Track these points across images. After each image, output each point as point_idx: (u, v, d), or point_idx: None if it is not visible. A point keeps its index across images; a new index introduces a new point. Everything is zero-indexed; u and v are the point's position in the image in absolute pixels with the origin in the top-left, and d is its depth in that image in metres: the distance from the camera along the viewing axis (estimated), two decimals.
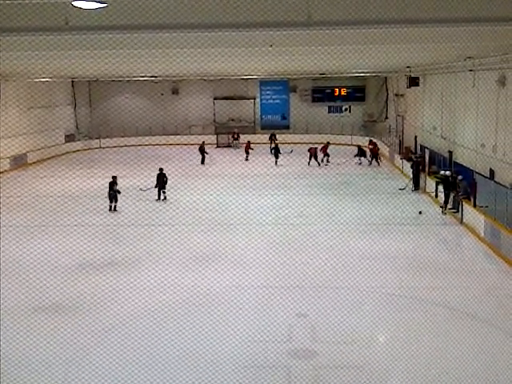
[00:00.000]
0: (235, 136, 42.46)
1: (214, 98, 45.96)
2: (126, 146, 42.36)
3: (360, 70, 33.28)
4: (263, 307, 12.73)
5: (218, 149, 41.25)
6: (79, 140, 43.35)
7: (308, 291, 13.60)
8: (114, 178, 22.12)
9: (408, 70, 29.92)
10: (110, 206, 21.92)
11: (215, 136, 43.81)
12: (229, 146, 42.30)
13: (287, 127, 45.91)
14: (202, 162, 33.49)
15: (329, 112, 45.92)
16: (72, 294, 13.61)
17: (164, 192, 23.61)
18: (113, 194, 21.86)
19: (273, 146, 35.89)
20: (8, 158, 32.96)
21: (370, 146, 34.05)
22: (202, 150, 33.93)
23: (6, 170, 32.03)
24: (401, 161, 30.58)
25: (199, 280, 14.40)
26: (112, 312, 12.57)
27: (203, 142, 35.38)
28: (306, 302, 12.93)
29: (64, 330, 11.60)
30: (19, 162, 34.09)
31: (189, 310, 12.58)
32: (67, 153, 40.35)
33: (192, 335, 11.23)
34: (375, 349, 10.96)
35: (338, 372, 9.91)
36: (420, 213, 21.01)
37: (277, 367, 10.13)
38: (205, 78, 40.95)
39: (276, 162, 32.94)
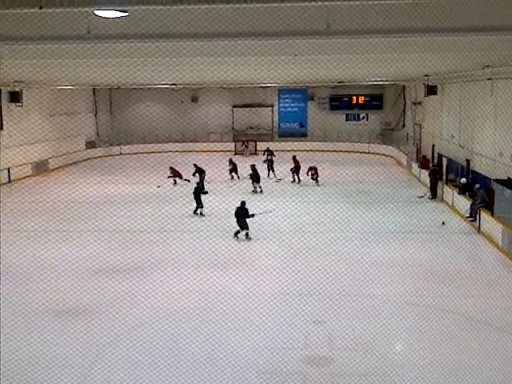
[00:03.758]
0: (245, 144, 42.66)
1: (233, 106, 46.22)
2: (146, 152, 42.67)
3: (378, 79, 33.30)
4: (280, 314, 12.79)
5: (237, 156, 41.37)
6: (100, 147, 43.77)
7: (325, 298, 13.64)
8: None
9: (426, 78, 29.89)
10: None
11: (233, 143, 43.99)
12: (241, 153, 42.47)
13: (305, 135, 46.00)
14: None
15: (346, 120, 45.96)
16: (91, 299, 13.77)
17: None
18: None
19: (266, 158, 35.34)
20: (30, 163, 33.41)
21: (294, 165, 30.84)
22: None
23: (28, 176, 32.46)
24: (418, 169, 30.52)
25: (216, 286, 14.50)
26: (130, 316, 12.71)
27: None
28: (322, 310, 12.98)
29: (83, 334, 11.74)
30: (41, 167, 34.52)
31: (206, 316, 12.67)
32: (88, 159, 40.76)
33: (209, 341, 11.32)
34: (392, 357, 10.97)
35: (355, 380, 9.94)
36: (443, 223, 20.91)
37: (293, 374, 10.18)
38: (224, 86, 41.21)
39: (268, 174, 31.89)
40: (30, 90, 33.52)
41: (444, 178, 26.23)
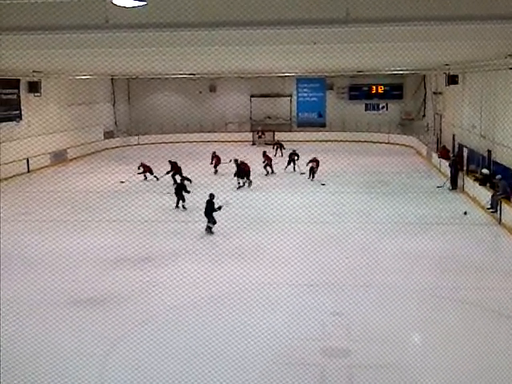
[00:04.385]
0: (260, 134, 42.50)
1: (251, 96, 46.06)
2: (163, 142, 42.73)
3: (398, 68, 32.98)
4: (298, 305, 12.74)
5: (254, 146, 41.32)
6: (118, 137, 43.91)
7: (343, 289, 13.56)
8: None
9: (447, 67, 29.54)
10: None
11: (251, 133, 43.88)
12: (253, 143, 42.30)
13: (323, 125, 45.76)
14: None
15: (366, 110, 45.60)
16: (109, 288, 13.80)
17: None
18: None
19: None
20: (49, 153, 33.61)
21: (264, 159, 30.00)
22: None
23: (46, 166, 32.66)
24: (438, 159, 30.24)
25: (234, 276, 14.46)
26: (147, 306, 12.75)
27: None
28: (340, 301, 12.91)
29: (101, 324, 11.78)
30: (59, 157, 34.72)
31: (223, 306, 12.64)
32: (106, 149, 40.92)
33: (226, 331, 11.30)
34: (410, 348, 10.90)
35: (372, 371, 9.87)
36: (465, 213, 20.70)
37: (311, 365, 10.13)
38: (242, 75, 41.08)
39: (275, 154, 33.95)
40: (48, 79, 33.67)
41: (465, 168, 25.94)
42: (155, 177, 27.42)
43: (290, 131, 45.24)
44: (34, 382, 9.56)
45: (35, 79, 31.98)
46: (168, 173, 26.31)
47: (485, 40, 14.22)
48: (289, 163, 29.84)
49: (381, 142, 42.21)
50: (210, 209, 18.50)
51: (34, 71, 29.25)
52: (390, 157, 35.64)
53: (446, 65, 28.79)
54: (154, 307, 12.67)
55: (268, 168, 29.35)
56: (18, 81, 31.82)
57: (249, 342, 10.76)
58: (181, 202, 21.92)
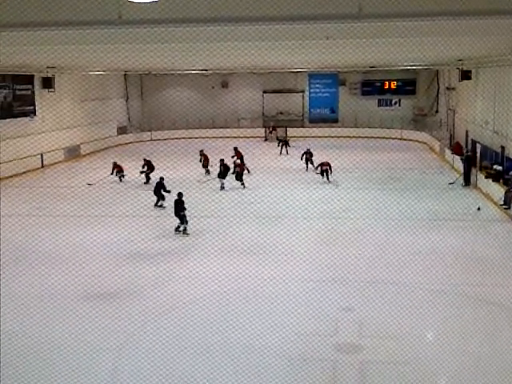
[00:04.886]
0: (271, 129, 42.48)
1: (263, 92, 46.02)
2: (176, 138, 42.83)
3: (411, 63, 32.82)
4: (310, 300, 12.74)
5: (267, 142, 41.32)
6: (131, 132, 44.04)
7: (355, 285, 13.56)
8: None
9: (460, 63, 29.36)
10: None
11: (263, 129, 43.86)
12: (266, 139, 42.17)
13: (336, 121, 45.65)
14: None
15: (378, 105, 45.43)
16: (122, 283, 13.87)
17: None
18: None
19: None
20: (62, 149, 33.80)
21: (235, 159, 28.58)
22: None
23: (60, 161, 32.86)
24: (451, 155, 30.10)
25: (246, 272, 14.50)
26: (160, 300, 12.79)
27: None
28: (352, 297, 12.90)
29: (114, 318, 11.84)
30: (73, 153, 34.91)
31: (236, 301, 12.69)
32: (119, 145, 41.06)
33: (238, 326, 11.31)
34: (422, 345, 10.85)
35: (384, 367, 9.87)
36: (478, 209, 20.61)
37: (323, 361, 10.15)
38: (254, 71, 41.06)
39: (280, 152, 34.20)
40: (62, 75, 33.83)
41: (478, 164, 25.80)
42: (121, 176, 26.69)
43: (303, 127, 45.21)
44: (47, 376, 9.64)
45: (49, 75, 32.14)
46: (142, 172, 25.88)
47: (498, 35, 14.14)
48: (306, 163, 28.95)
49: (393, 138, 42.07)
50: (180, 209, 17.87)
51: (47, 67, 29.42)
52: (402, 153, 35.51)
53: (460, 60, 28.62)
54: (167, 301, 12.72)
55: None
56: (32, 77, 32.01)
57: (261, 336, 10.80)
58: (161, 200, 21.39)
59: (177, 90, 46.06)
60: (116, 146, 40.58)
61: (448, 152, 31.55)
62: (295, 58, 25.08)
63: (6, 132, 29.43)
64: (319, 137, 41.96)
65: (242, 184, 25.18)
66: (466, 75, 29.35)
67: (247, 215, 20.24)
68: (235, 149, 29.57)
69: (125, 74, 43.63)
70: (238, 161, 27.03)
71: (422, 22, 10.71)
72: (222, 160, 25.25)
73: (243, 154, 28.82)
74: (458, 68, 30.33)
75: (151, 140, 43.32)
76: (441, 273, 14.35)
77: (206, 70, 37.49)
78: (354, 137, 42.33)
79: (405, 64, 33.33)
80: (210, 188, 24.38)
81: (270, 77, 44.37)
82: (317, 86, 46.32)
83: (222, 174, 24.81)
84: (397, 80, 44.30)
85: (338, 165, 28.95)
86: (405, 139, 41.64)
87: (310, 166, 28.83)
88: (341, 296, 12.89)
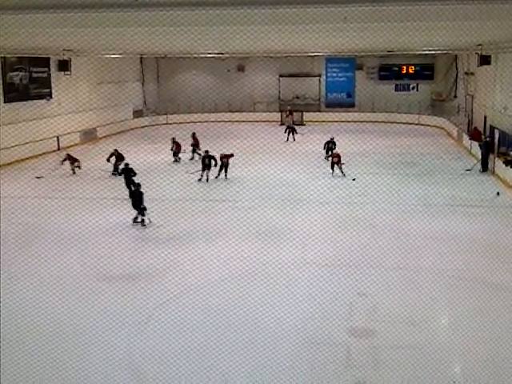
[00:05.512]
0: (288, 114, 42.20)
1: (280, 76, 45.79)
2: (192, 122, 42.80)
3: (429, 48, 32.46)
4: (324, 284, 12.74)
5: (282, 126, 41.15)
6: (147, 116, 44.09)
7: (370, 270, 13.53)
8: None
9: (479, 48, 28.98)
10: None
11: (279, 113, 43.67)
12: (282, 124, 41.27)
13: (352, 105, 45.40)
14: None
15: (396, 90, 45.11)
16: (138, 265, 13.98)
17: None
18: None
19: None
20: (78, 132, 33.93)
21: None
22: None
23: (76, 144, 33.00)
24: (469, 141, 29.83)
25: (261, 255, 14.52)
26: (175, 282, 12.87)
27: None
28: (367, 281, 12.88)
29: (133, 299, 11.98)
30: (89, 136, 35.04)
31: (250, 285, 12.69)
32: (135, 128, 41.14)
33: (252, 309, 11.35)
34: (436, 330, 10.83)
35: (397, 352, 9.86)
36: (498, 194, 20.45)
37: (336, 345, 10.16)
38: (271, 55, 40.85)
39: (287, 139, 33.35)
40: (78, 58, 33.87)
41: (496, 150, 25.55)
42: (77, 166, 25.26)
43: (319, 111, 45.01)
44: (66, 357, 9.75)
45: (65, 58, 32.20)
46: (109, 160, 24.35)
47: None
48: (327, 152, 27.06)
49: (410, 123, 41.79)
50: (139, 200, 17.25)
51: (64, 50, 29.42)
52: (419, 138, 35.27)
53: (479, 45, 28.22)
54: (182, 283, 12.77)
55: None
56: (49, 59, 32.11)
57: (274, 320, 10.83)
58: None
59: (193, 73, 45.98)
60: (131, 129, 40.67)
61: (466, 138, 31.27)
62: (312, 42, 24.88)
63: (22, 114, 29.62)
64: (335, 121, 41.77)
65: (226, 175, 23.72)
66: (485, 60, 28.96)
67: (262, 199, 20.24)
68: (193, 135, 28.54)
69: (141, 58, 43.62)
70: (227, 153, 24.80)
71: (441, 6, 10.58)
72: (206, 151, 23.69)
73: (254, 140, 28.69)
74: (477, 53, 29.93)
75: (167, 123, 43.36)
76: (457, 258, 14.27)
77: (222, 54, 37.36)
78: (370, 121, 42.08)
79: (423, 49, 32.98)
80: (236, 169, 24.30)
81: (287, 61, 44.12)
82: (334, 70, 46.03)
83: (208, 166, 23.20)
84: (415, 65, 43.94)
85: (355, 149, 28.86)
86: (422, 124, 41.36)
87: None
88: (355, 280, 12.88)
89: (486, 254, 14.64)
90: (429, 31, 17.85)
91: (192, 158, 27.66)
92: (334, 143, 27.39)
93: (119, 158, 24.18)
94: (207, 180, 23.19)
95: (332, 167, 24.10)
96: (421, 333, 10.52)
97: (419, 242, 15.53)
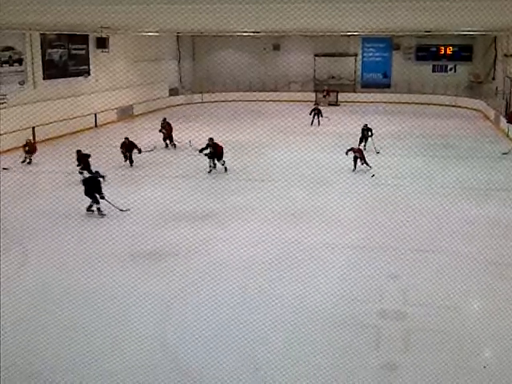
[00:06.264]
0: (324, 94, 41.84)
1: (315, 55, 45.41)
2: (226, 101, 42.82)
3: (468, 28, 31.79)
4: (355, 266, 12.75)
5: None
6: (182, 94, 44.21)
7: (402, 253, 13.48)
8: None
9: None
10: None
11: (314, 93, 43.38)
12: (316, 103, 39.47)
13: (388, 86, 44.85)
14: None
15: (433, 71, 44.41)
16: (171, 242, 14.12)
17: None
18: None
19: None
20: (115, 109, 34.23)
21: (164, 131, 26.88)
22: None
23: (113, 121, 33.33)
24: (507, 124, 29.30)
25: (292, 236, 14.55)
26: (206, 260, 13.05)
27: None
28: (399, 264, 12.85)
29: (159, 277, 12.13)
30: (125, 113, 35.32)
31: (282, 265, 12.75)
32: (170, 106, 41.30)
33: (284, 289, 11.43)
34: (467, 316, 10.77)
35: (428, 335, 9.84)
36: None
37: (367, 327, 10.18)
38: (306, 34, 40.46)
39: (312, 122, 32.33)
40: (115, 35, 34.07)
41: None
42: (27, 161, 23.10)
43: (354, 92, 44.60)
44: (94, 331, 9.98)
45: (103, 35, 32.44)
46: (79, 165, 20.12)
47: None
48: (361, 140, 25.31)
49: (447, 105, 41.16)
50: (95, 188, 16.30)
51: (101, 27, 29.60)
52: (456, 120, 34.75)
53: None
54: (213, 261, 12.93)
55: (168, 141, 26.36)
56: (87, 37, 32.38)
57: (304, 300, 10.88)
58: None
59: (228, 51, 45.85)
60: (167, 107, 40.83)
61: (503, 121, 30.71)
62: (349, 20, 24.56)
63: (60, 91, 29.99)
64: (371, 102, 41.29)
65: (223, 163, 21.79)
66: None
67: (295, 179, 20.23)
68: (164, 120, 27.32)
69: (177, 36, 43.61)
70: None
71: None
72: (211, 139, 21.71)
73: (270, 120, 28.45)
74: None
75: (202, 102, 43.44)
76: (491, 243, 14.10)
77: (258, 32, 37.12)
78: (406, 103, 41.54)
79: (462, 29, 32.31)
80: (258, 152, 24.33)
81: (323, 40, 43.60)
82: (370, 50, 45.50)
83: (212, 155, 21.61)
84: (453, 45, 43.18)
85: (390, 130, 28.55)
86: (459, 106, 40.70)
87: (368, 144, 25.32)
88: (387, 263, 12.86)
89: None
90: (468, 11, 17.51)
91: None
92: (370, 130, 25.51)
93: (130, 146, 22.52)
94: (210, 171, 21.55)
95: (355, 163, 21.71)
96: (453, 317, 10.47)
97: (454, 225, 15.38)
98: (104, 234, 14.52)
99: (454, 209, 16.82)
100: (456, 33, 35.58)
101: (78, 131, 29.84)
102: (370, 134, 25.38)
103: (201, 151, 21.45)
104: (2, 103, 26.33)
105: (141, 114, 36.72)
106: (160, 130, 26.69)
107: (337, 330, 9.99)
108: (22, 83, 27.78)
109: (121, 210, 16.38)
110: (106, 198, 16.32)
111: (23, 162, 22.86)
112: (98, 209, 16.48)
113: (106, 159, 21.82)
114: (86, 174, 18.17)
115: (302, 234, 14.58)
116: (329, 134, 29.40)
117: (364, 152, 22.14)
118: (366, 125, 25.67)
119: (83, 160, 19.66)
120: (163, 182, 19.84)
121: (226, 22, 24.45)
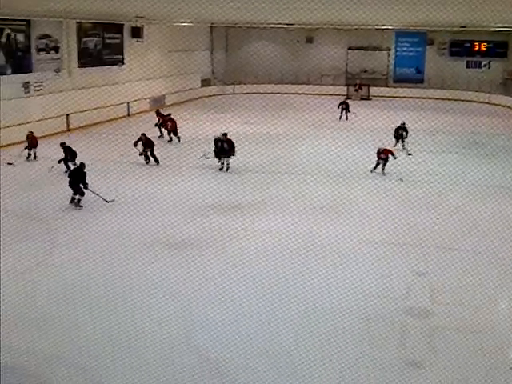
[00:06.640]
0: (357, 87, 41.55)
1: (348, 48, 45.09)
2: (258, 93, 42.80)
3: (503, 25, 31.36)
4: (383, 262, 12.76)
5: (348, 100, 40.70)
6: (214, 85, 44.34)
7: (431, 250, 13.45)
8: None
9: None
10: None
11: (346, 87, 43.17)
12: (347, 98, 39.59)
13: (421, 81, 44.41)
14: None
15: (467, 67, 43.86)
16: (200, 232, 14.29)
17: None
18: None
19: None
20: (148, 98, 34.51)
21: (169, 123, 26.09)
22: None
23: (145, 110, 33.60)
24: None
25: (320, 230, 14.59)
26: (234, 251, 13.22)
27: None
28: (427, 261, 12.83)
29: (190, 266, 12.25)
30: (158, 103, 35.54)
31: (308, 258, 12.82)
32: (202, 97, 41.48)
33: (310, 283, 11.45)
34: (493, 315, 10.71)
35: (453, 334, 9.83)
36: None
37: (393, 323, 10.22)
38: (340, 27, 40.27)
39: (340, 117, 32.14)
40: (150, 26, 34.33)
41: None
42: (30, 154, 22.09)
43: (387, 86, 44.23)
44: (120, 317, 10.19)
45: (138, 25, 32.71)
46: (60, 161, 19.64)
47: None
48: (397, 140, 24.34)
49: (481, 102, 40.59)
50: (79, 179, 16.25)
51: (137, 16, 29.87)
52: (489, 117, 34.24)
53: None
54: (240, 252, 13.07)
55: (171, 135, 25.79)
56: (122, 26, 32.68)
57: (331, 294, 10.93)
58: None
59: (261, 43, 45.74)
60: (199, 97, 41.02)
61: None
62: (383, 14, 24.41)
63: (95, 79, 30.34)
64: (403, 97, 40.93)
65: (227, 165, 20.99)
66: None
67: (324, 173, 20.24)
68: (157, 111, 27.45)
69: (211, 26, 43.74)
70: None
71: None
72: (225, 134, 21.12)
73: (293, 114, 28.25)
74: None
75: (234, 93, 43.51)
76: None
77: (292, 25, 37.09)
78: (439, 99, 41.15)
79: (497, 25, 31.88)
80: (287, 145, 24.36)
81: (356, 33, 43.28)
82: (404, 44, 45.07)
83: (221, 152, 20.90)
84: (487, 41, 42.56)
85: (422, 126, 28.26)
86: (493, 103, 40.14)
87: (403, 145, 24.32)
88: (415, 260, 12.85)
89: None
90: (505, 5, 17.30)
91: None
92: (406, 129, 24.38)
93: (148, 143, 21.86)
94: (227, 169, 20.84)
95: (376, 164, 20.56)
96: (479, 317, 10.41)
97: (484, 224, 15.25)
98: (140, 223, 14.78)
99: (484, 207, 16.68)
100: (491, 29, 35.15)
101: (111, 119, 30.19)
102: (405, 133, 24.37)
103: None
104: (39, 89, 26.76)
105: (173, 104, 36.94)
106: (156, 125, 26.32)
107: (363, 325, 10.05)
108: (57, 71, 28.17)
109: (106, 201, 16.42)
110: (89, 188, 16.28)
111: (27, 158, 21.73)
112: (79, 200, 16.36)
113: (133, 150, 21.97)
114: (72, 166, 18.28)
115: (330, 229, 14.59)
116: (360, 129, 29.22)
117: (396, 153, 20.85)
118: (404, 123, 24.52)
119: (69, 152, 19.53)
120: (188, 174, 19.88)
121: (259, 13, 24.50)
